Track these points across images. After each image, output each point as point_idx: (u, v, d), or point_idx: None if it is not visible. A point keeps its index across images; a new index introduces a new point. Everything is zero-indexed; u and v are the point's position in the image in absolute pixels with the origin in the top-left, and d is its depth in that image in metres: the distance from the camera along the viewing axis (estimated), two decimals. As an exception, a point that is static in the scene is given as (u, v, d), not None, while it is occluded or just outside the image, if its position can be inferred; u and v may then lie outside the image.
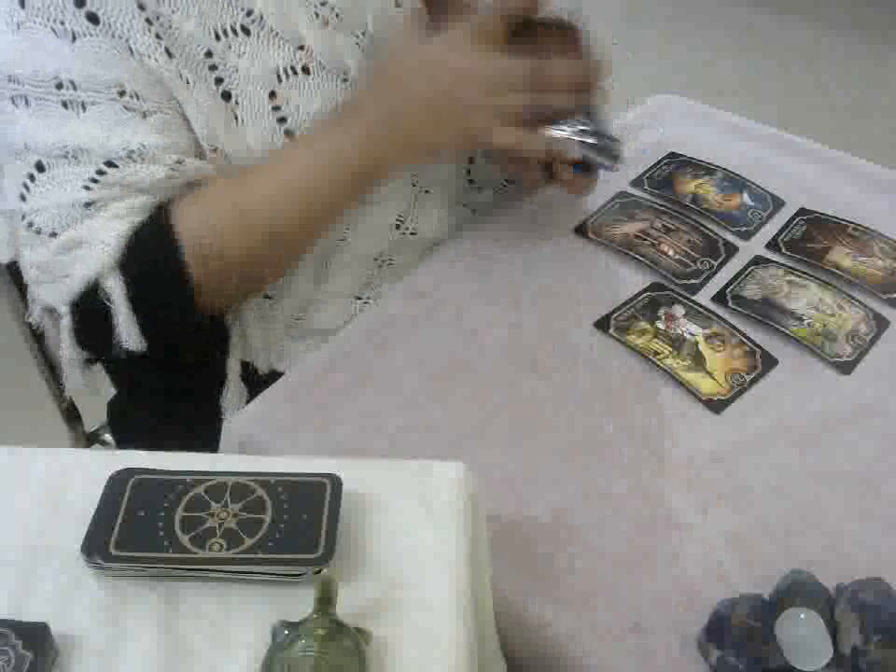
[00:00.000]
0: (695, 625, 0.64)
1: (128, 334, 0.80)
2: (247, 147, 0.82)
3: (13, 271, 0.96)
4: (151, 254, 0.80)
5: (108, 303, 0.79)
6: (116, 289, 0.78)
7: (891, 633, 0.60)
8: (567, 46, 0.85)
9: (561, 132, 0.85)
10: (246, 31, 0.81)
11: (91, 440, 1.18)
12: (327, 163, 0.82)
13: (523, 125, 0.83)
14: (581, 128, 0.85)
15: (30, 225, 0.80)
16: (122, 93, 0.77)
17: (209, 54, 0.80)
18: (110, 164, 0.78)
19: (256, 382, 0.91)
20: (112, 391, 1.07)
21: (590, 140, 0.86)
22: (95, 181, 0.78)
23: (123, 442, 1.10)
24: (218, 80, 0.81)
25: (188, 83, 0.79)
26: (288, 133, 0.83)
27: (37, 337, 1.00)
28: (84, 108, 0.77)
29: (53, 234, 0.79)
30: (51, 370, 1.06)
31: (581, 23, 0.86)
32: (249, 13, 0.80)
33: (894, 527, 0.71)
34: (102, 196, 0.78)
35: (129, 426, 1.07)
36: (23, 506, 0.60)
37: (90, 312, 0.80)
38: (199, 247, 0.80)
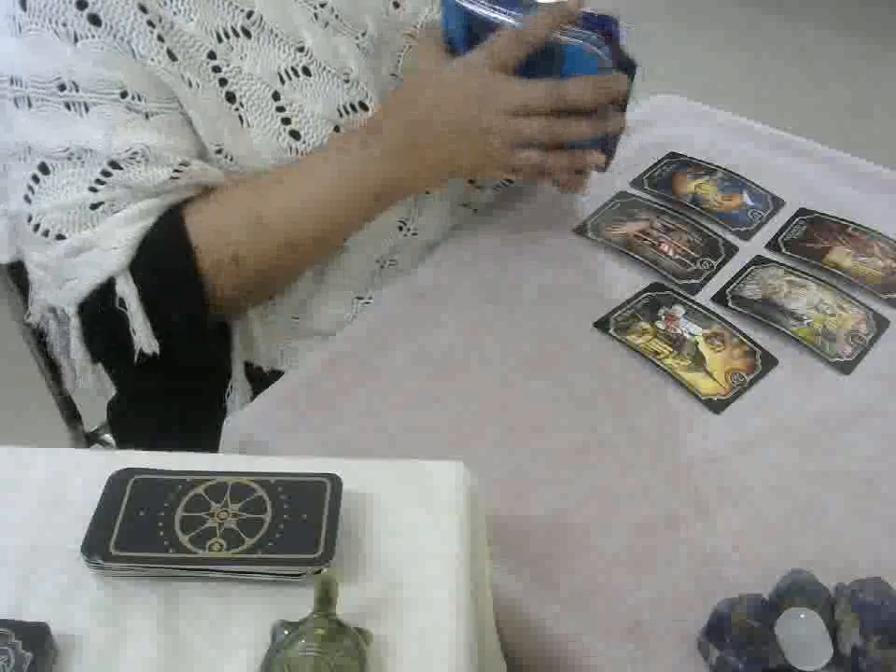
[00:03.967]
0: (695, 625, 0.64)
1: (141, 337, 0.80)
2: (252, 147, 0.82)
3: (13, 271, 0.96)
4: (165, 258, 0.80)
5: (120, 307, 0.79)
6: (129, 293, 0.79)
7: (891, 633, 0.60)
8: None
9: None
10: (247, 32, 0.81)
11: (91, 440, 1.18)
12: (348, 180, 0.83)
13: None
14: None
15: (36, 227, 0.79)
16: (124, 94, 0.77)
17: (212, 56, 0.80)
18: (114, 165, 0.78)
19: (257, 381, 0.91)
20: (112, 391, 1.07)
21: None
22: (101, 182, 0.78)
23: (123, 442, 1.10)
24: (223, 81, 0.81)
25: (191, 85, 0.79)
26: (293, 134, 0.83)
27: (38, 337, 1.00)
28: (87, 109, 0.77)
29: (60, 237, 0.79)
30: (51, 370, 1.06)
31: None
32: (249, 15, 0.80)
33: (894, 527, 0.71)
34: (108, 198, 0.78)
35: (129, 426, 1.07)
36: (23, 506, 0.60)
37: (97, 314, 0.80)
38: (213, 252, 0.80)
